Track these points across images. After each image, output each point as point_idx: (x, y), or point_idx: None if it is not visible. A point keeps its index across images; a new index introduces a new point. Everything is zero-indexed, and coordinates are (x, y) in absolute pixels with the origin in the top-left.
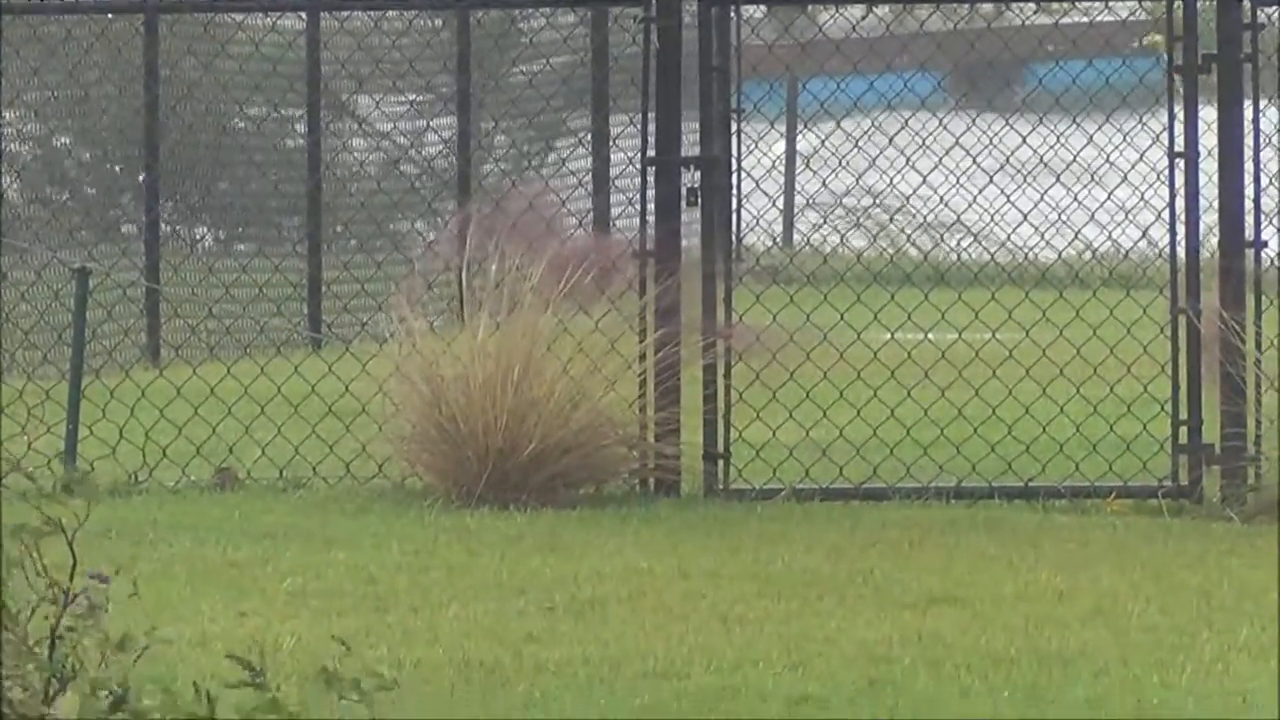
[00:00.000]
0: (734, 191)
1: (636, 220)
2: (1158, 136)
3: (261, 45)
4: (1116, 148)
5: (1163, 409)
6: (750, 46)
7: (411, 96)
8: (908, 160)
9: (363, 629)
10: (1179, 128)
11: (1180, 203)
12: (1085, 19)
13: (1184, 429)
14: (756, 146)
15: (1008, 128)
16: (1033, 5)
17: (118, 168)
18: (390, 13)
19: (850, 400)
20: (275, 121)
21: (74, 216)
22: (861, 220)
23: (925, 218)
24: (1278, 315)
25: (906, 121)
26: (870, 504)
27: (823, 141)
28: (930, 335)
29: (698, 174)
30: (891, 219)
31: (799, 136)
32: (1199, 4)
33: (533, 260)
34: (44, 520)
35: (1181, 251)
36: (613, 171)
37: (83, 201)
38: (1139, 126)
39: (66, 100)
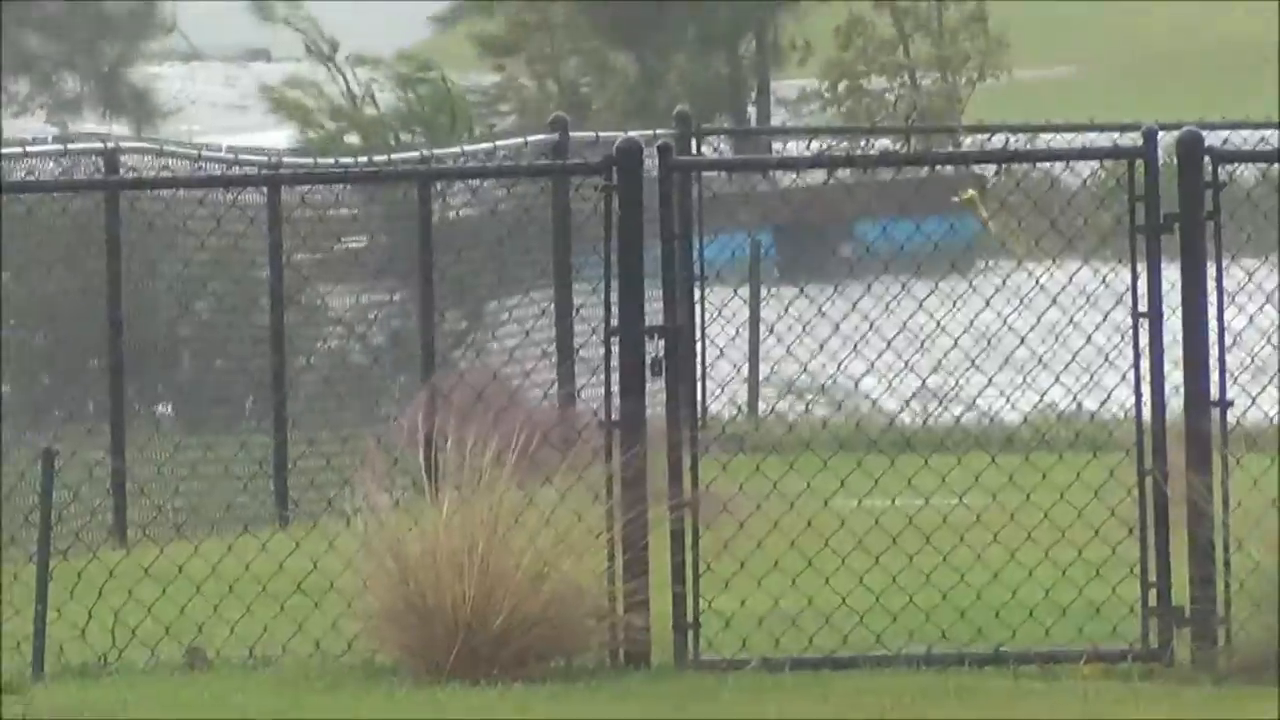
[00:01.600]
0: (698, 360)
1: (601, 390)
2: (1120, 298)
3: (223, 220)
4: (1080, 308)
5: (1131, 571)
6: (717, 200)
7: (373, 269)
8: (871, 325)
9: None
10: (1142, 287)
11: (1145, 363)
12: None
13: (1153, 591)
14: (720, 314)
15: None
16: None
17: (81, 347)
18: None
19: (819, 568)
20: (237, 298)
21: (38, 396)
22: (826, 387)
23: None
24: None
25: (869, 287)
26: (841, 673)
27: (786, 308)
28: (897, 501)
29: (661, 343)
30: (856, 384)
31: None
32: (1160, 163)
33: (497, 432)
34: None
35: (1147, 412)
36: (576, 341)
37: (46, 381)
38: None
39: (29, 278)
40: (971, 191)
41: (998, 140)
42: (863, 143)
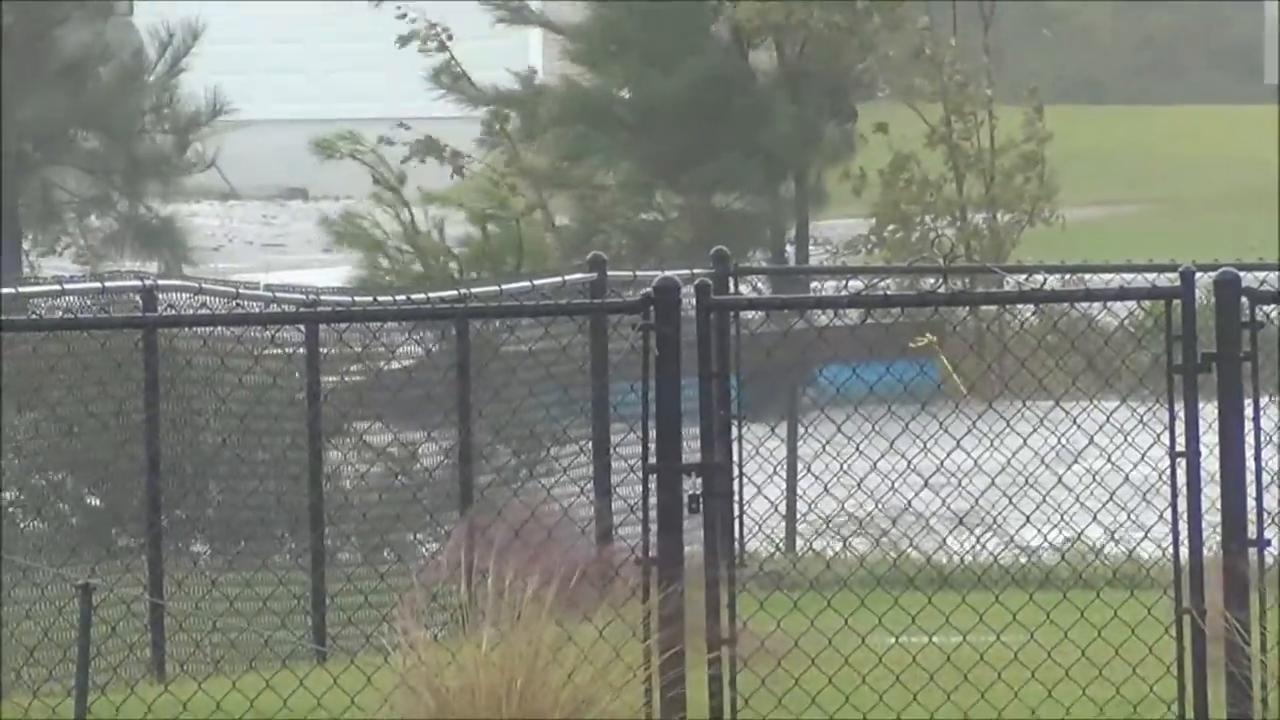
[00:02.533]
0: (736, 498)
1: (638, 527)
2: (1158, 437)
3: (260, 359)
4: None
5: (1169, 709)
6: (754, 340)
7: (411, 407)
8: (909, 464)
9: None
10: (1180, 426)
11: (1182, 502)
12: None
13: None
14: (758, 452)
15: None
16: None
17: (119, 483)
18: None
19: (856, 705)
20: (276, 434)
21: (76, 533)
22: (864, 525)
23: (928, 520)
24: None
25: (906, 425)
26: None
27: (824, 446)
28: (934, 638)
29: (699, 480)
30: (894, 523)
31: (799, 441)
32: (1196, 304)
33: (535, 569)
34: None
35: (1185, 551)
36: (614, 479)
37: (84, 517)
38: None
39: (67, 415)
40: (930, 336)
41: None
42: (904, 282)
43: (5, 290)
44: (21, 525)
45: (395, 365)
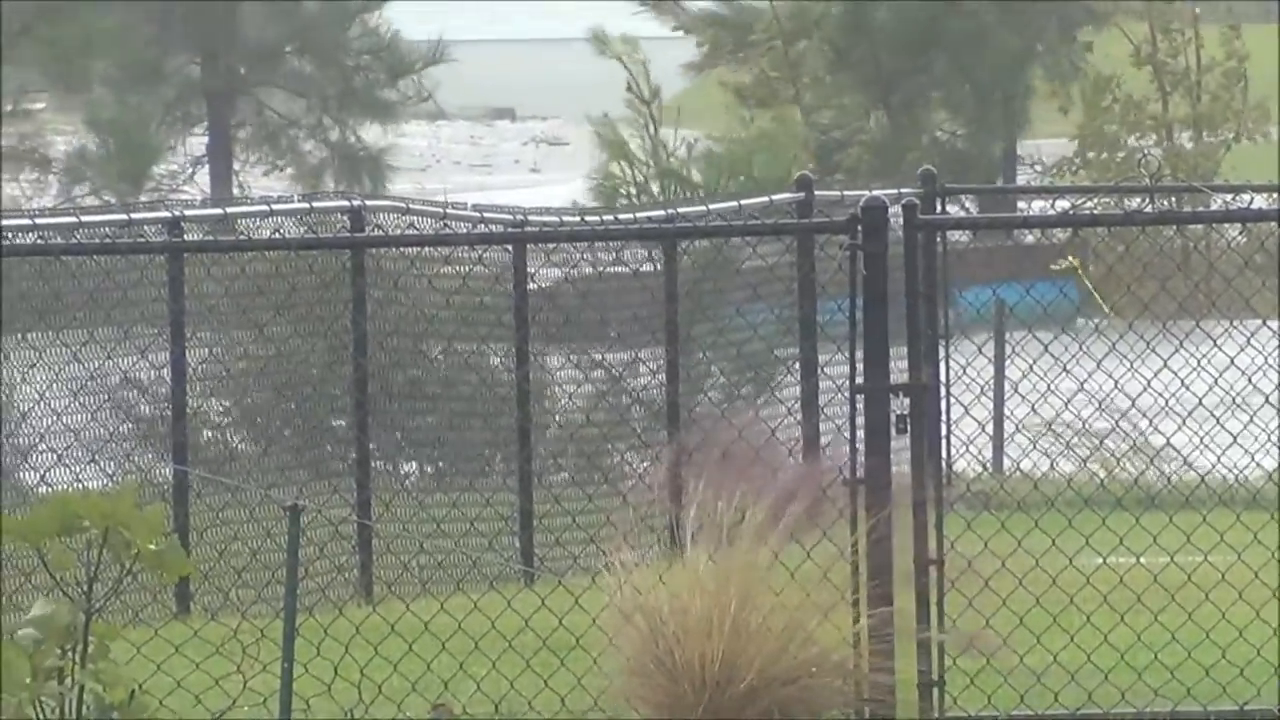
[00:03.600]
0: (943, 418)
1: (846, 448)
2: None
3: (468, 279)
4: None
5: None
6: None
7: (619, 327)
8: (1116, 384)
9: None
10: None
11: None
12: None
13: None
14: (965, 372)
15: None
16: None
17: (328, 404)
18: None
19: (1063, 626)
20: (484, 354)
21: (285, 454)
22: (1071, 445)
23: (1135, 441)
24: None
25: (1113, 345)
26: None
27: (1031, 366)
28: (1142, 559)
29: (907, 400)
30: (1100, 443)
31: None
32: None
33: (746, 490)
34: None
35: None
36: (821, 399)
37: (293, 438)
38: None
39: (275, 336)
40: (1073, 258)
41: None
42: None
43: (214, 211)
44: (231, 447)
45: (602, 285)
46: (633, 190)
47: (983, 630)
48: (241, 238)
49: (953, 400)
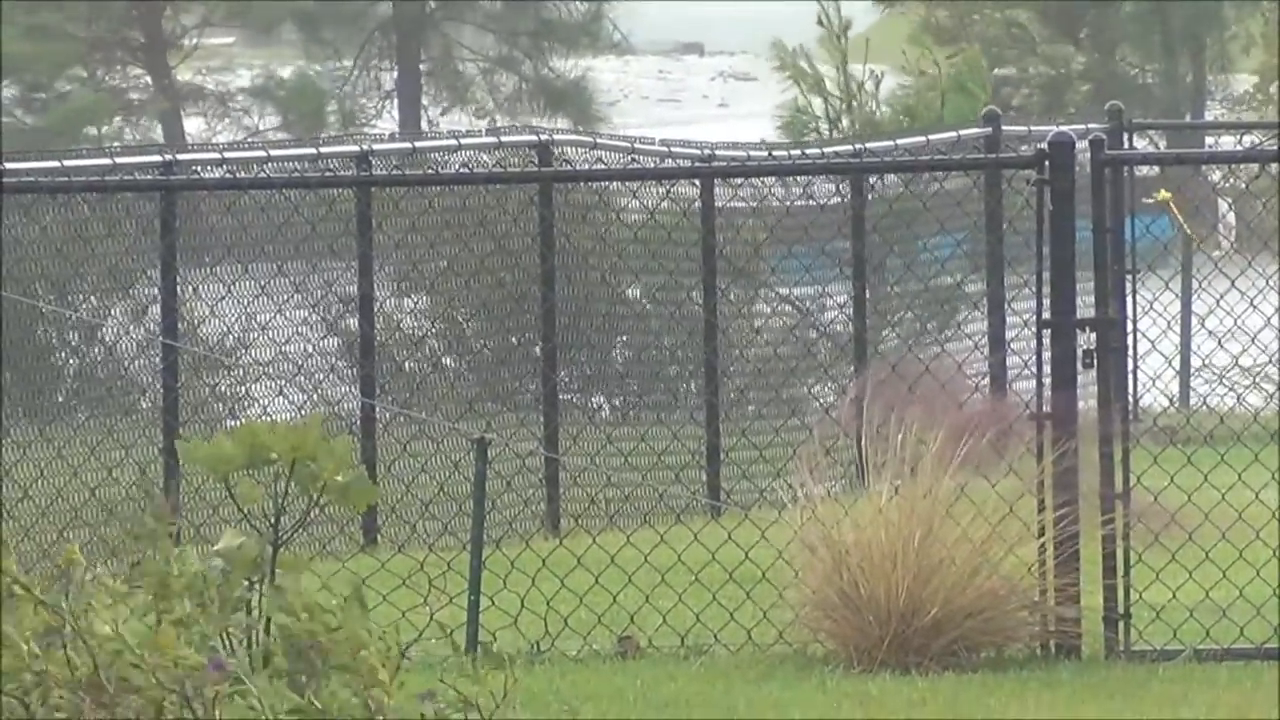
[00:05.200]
0: (1130, 353)
1: (1032, 383)
2: None
3: (656, 213)
4: None
5: None
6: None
7: (806, 261)
8: None
9: None
10: None
11: None
12: None
13: None
14: (1151, 308)
15: None
16: None
17: (514, 337)
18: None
19: (1249, 560)
20: (671, 289)
21: (472, 387)
22: (1258, 380)
23: None
24: None
25: None
26: (1271, 664)
27: (1217, 302)
28: None
29: (1093, 336)
30: None
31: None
32: None
33: (931, 424)
34: (459, 699)
35: None
36: (1008, 334)
37: (480, 372)
38: None
39: (462, 270)
40: (1166, 192)
41: None
42: None
43: (402, 145)
44: (418, 381)
45: (790, 220)
46: (822, 125)
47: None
48: (429, 172)
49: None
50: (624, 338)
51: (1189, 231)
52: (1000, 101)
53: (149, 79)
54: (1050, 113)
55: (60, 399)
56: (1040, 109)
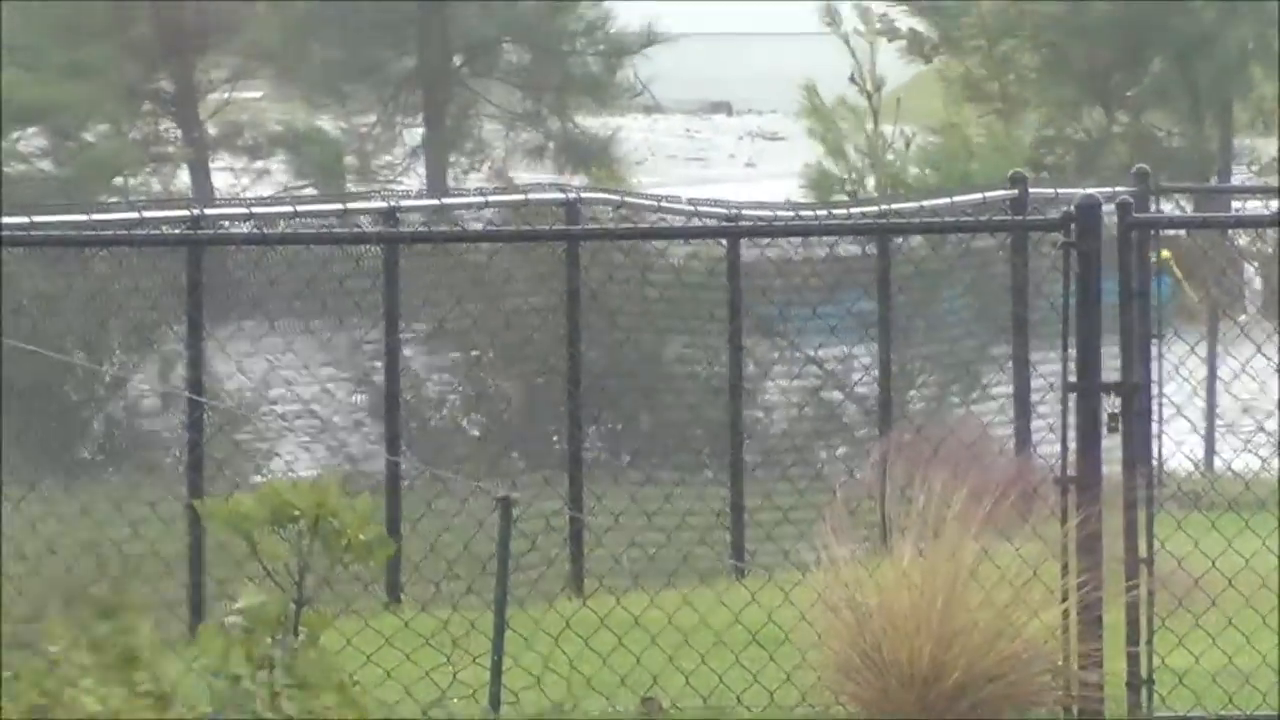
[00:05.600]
0: (1155, 417)
1: (1057, 446)
2: None
3: (683, 272)
4: None
5: None
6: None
7: (831, 323)
8: None
9: None
10: None
11: None
12: None
13: None
14: (1177, 372)
15: None
16: None
17: (540, 396)
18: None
19: (1273, 626)
20: (697, 349)
21: (497, 445)
22: None
23: None
24: None
25: None
26: None
27: (1243, 366)
28: None
29: (1118, 400)
30: None
31: (1218, 361)
32: None
33: (955, 487)
34: None
35: None
36: (1033, 397)
37: (506, 430)
38: None
39: (488, 327)
40: (1166, 252)
41: None
42: None
43: (429, 201)
44: (443, 439)
45: (816, 280)
46: (848, 186)
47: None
48: (457, 229)
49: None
50: (649, 397)
51: (1189, 291)
52: (1031, 163)
53: (179, 131)
54: (1079, 175)
55: (85, 455)
56: (1071, 170)
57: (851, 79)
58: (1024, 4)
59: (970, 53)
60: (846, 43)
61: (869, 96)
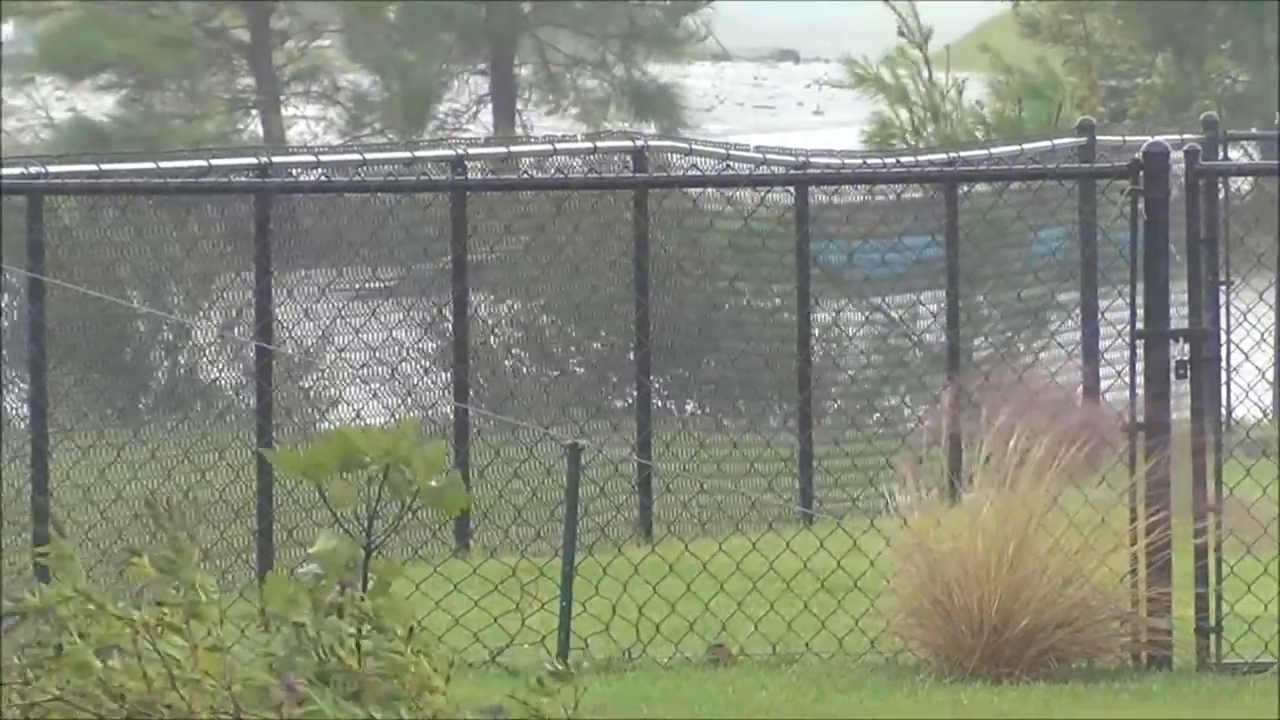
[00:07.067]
0: (1223, 364)
1: (1125, 393)
2: None
3: (750, 220)
4: None
5: None
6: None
7: (900, 270)
8: None
9: None
10: None
11: None
12: None
13: None
14: (1245, 319)
15: None
16: None
17: (608, 343)
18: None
19: None
20: (764, 296)
21: (565, 392)
22: None
23: None
24: None
25: None
26: None
27: None
28: None
29: (1187, 346)
30: None
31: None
32: None
33: (1023, 434)
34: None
35: None
36: (1101, 344)
37: (573, 377)
38: None
39: (556, 275)
40: None
41: None
42: None
43: (496, 149)
44: (512, 386)
45: (885, 232)
46: (908, 136)
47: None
48: (524, 176)
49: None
50: (718, 344)
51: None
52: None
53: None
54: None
55: (153, 401)
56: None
57: (900, 31)
58: None
59: None
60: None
61: (919, 46)
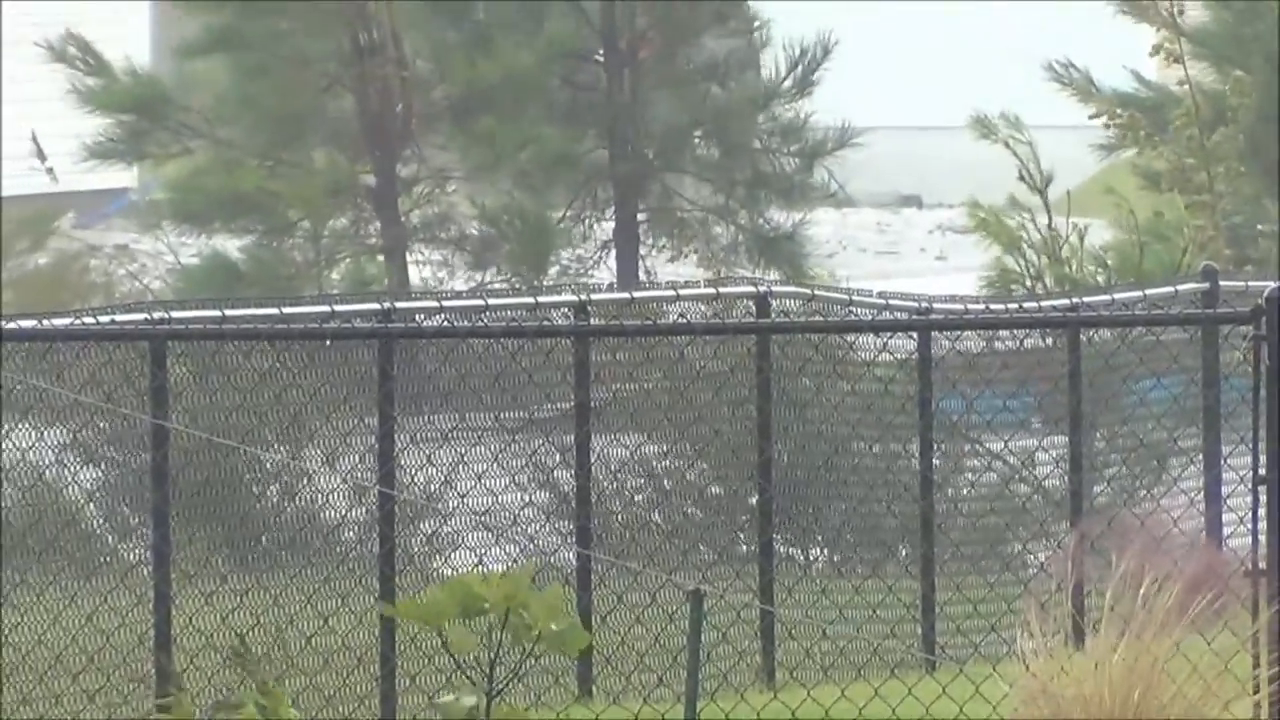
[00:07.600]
0: None
1: (1248, 539)
2: None
3: (873, 366)
4: None
5: None
6: None
7: (1020, 415)
8: None
9: None
10: None
11: None
12: None
13: None
14: None
15: None
16: None
17: (731, 488)
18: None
19: None
20: (886, 441)
21: (688, 538)
22: None
23: None
24: None
25: None
26: None
27: None
28: None
29: None
30: None
31: None
32: None
33: (1147, 580)
34: None
35: None
36: (1224, 490)
37: (696, 523)
38: None
39: (677, 420)
40: None
41: None
42: None
43: (620, 295)
44: (634, 531)
45: (1006, 376)
46: (1027, 282)
47: None
48: (647, 322)
49: None
50: (840, 489)
51: None
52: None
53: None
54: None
55: (274, 546)
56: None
57: (1020, 176)
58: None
59: (1166, 145)
60: (1007, 145)
61: (1039, 191)
